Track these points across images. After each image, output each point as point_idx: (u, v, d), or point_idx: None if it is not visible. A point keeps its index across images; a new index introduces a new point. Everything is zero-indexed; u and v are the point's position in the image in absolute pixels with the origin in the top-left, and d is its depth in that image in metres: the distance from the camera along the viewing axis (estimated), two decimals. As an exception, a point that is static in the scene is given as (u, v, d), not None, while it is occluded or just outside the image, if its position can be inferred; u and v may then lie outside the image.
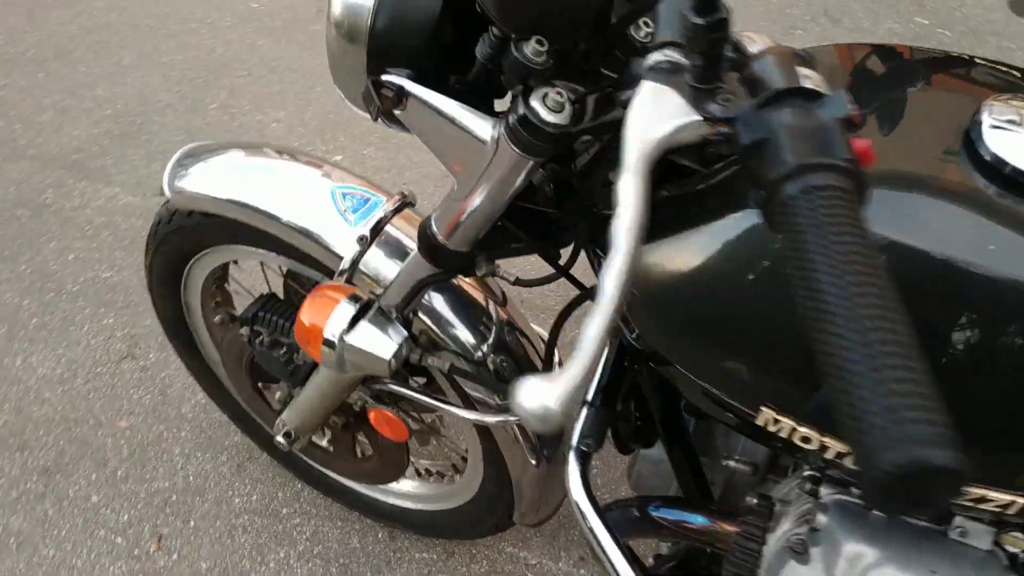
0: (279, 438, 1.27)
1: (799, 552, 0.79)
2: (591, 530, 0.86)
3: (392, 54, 0.73)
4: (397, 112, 0.73)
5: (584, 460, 0.88)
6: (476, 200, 0.76)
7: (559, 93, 0.65)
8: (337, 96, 0.83)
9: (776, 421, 0.70)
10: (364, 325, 0.82)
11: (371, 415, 1.16)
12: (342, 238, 1.03)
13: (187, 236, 1.22)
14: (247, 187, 1.08)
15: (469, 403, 1.12)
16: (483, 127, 0.71)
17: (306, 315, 0.82)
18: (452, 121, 0.72)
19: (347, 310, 0.82)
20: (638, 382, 0.97)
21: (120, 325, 1.96)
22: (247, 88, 2.68)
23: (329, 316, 0.81)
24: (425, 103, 0.72)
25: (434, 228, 0.82)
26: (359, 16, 0.71)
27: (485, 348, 1.10)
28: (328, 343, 0.82)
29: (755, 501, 0.87)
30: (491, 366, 1.09)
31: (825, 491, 0.80)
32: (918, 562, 0.74)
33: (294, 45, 2.86)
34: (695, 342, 0.72)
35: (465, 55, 0.74)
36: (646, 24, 0.66)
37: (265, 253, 1.19)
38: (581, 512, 0.86)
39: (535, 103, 0.65)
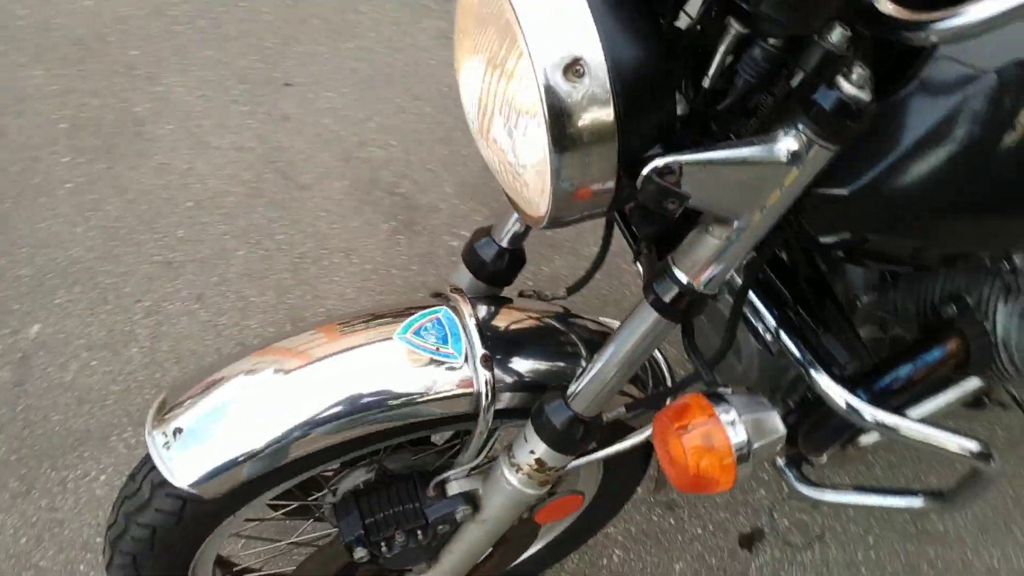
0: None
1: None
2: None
3: (648, 134, 0.59)
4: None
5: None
6: (757, 222, 0.67)
7: (860, 66, 0.59)
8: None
9: None
10: (745, 419, 0.69)
11: (539, 515, 1.02)
12: (461, 374, 0.84)
13: (212, 513, 0.91)
14: (316, 403, 0.81)
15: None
16: (781, 144, 0.62)
17: (696, 457, 0.65)
18: (746, 162, 0.61)
19: (731, 417, 0.68)
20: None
21: None
22: None
23: (725, 438, 0.66)
24: (711, 163, 0.60)
25: (683, 280, 0.70)
26: (598, 109, 0.56)
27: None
28: (743, 459, 0.68)
29: (954, 308, 0.95)
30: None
31: (1019, 258, 0.91)
32: None
33: None
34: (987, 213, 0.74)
35: None
36: None
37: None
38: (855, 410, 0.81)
39: (848, 87, 0.59)
